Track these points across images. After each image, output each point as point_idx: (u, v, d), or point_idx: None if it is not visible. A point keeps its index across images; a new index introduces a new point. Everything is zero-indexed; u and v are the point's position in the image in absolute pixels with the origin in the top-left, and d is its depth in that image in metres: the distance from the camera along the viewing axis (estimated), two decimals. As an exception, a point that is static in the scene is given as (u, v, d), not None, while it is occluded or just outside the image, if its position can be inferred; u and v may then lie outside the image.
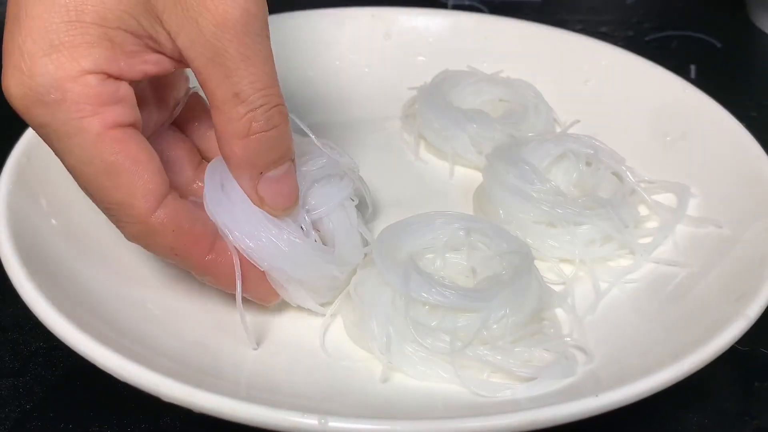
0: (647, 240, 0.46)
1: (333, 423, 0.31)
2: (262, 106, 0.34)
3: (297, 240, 0.38)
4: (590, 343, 0.39)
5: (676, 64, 0.57)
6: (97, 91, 0.32)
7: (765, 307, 0.37)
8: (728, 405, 0.40)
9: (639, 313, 0.42)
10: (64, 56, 0.32)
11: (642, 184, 0.49)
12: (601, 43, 0.60)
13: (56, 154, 0.34)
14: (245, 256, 0.37)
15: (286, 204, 0.38)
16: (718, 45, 0.74)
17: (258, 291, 0.38)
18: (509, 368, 0.37)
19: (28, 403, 0.40)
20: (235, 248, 0.37)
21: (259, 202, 0.37)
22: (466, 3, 0.82)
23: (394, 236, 0.42)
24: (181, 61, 0.35)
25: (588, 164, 0.50)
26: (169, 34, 0.33)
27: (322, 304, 0.41)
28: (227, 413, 0.31)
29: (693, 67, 0.69)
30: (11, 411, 0.39)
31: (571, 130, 0.55)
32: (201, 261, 0.36)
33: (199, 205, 0.37)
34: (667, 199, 0.49)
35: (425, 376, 0.37)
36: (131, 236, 0.35)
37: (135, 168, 0.34)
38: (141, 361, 0.33)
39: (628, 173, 0.49)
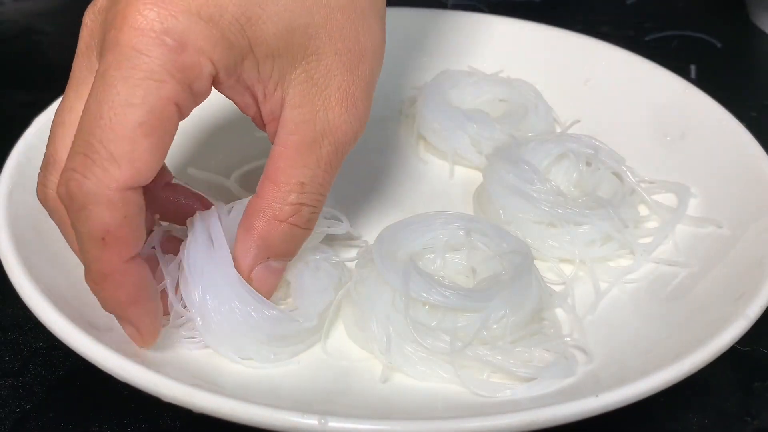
0: (647, 240, 0.46)
1: (333, 423, 0.31)
2: (311, 206, 0.37)
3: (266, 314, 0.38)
4: (590, 343, 0.39)
5: (676, 64, 0.57)
6: (199, 76, 0.33)
7: (765, 307, 0.37)
8: (728, 405, 0.40)
9: (639, 313, 0.42)
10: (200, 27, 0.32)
11: (642, 184, 0.49)
12: (601, 43, 0.60)
13: (102, 69, 0.32)
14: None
15: (266, 293, 0.39)
16: (718, 45, 0.74)
17: (144, 322, 0.36)
18: (509, 368, 0.37)
19: (28, 403, 0.40)
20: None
21: (247, 278, 0.38)
22: (466, 3, 0.82)
23: (394, 236, 0.42)
24: (263, 122, 0.38)
25: (588, 164, 0.50)
26: (283, 99, 0.36)
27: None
28: (227, 413, 0.31)
29: (693, 67, 0.69)
30: (11, 411, 0.39)
31: (571, 130, 0.55)
32: (117, 262, 0.33)
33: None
34: (667, 199, 0.49)
35: (425, 376, 0.37)
36: (82, 191, 0.31)
37: (156, 144, 0.32)
38: (141, 361, 0.33)
39: (628, 173, 0.49)
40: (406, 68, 0.61)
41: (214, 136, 0.53)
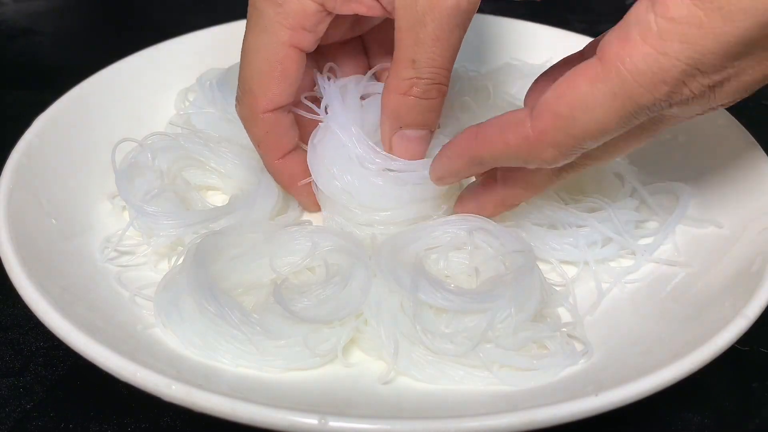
0: (648, 240, 0.46)
1: (333, 423, 0.31)
2: (427, 78, 0.40)
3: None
4: (591, 343, 0.39)
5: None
6: (304, 16, 0.41)
7: (765, 307, 0.37)
8: (728, 405, 0.40)
9: (639, 313, 0.42)
10: None
11: (642, 185, 0.49)
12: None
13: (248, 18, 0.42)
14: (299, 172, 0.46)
15: (408, 159, 0.44)
16: (718, 45, 0.74)
17: (304, 200, 0.48)
18: (515, 363, 0.37)
19: (29, 403, 0.40)
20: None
21: (388, 148, 0.44)
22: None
23: (398, 239, 0.42)
24: (389, 12, 0.41)
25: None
26: None
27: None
28: (227, 413, 0.31)
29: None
30: (11, 411, 0.39)
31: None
32: (270, 161, 0.46)
33: (295, 121, 0.45)
34: (667, 199, 0.49)
35: (433, 378, 0.38)
36: (240, 115, 0.44)
37: (279, 79, 0.42)
38: (141, 361, 0.33)
39: (628, 174, 0.49)
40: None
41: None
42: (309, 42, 0.42)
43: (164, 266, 0.44)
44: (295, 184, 0.46)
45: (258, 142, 0.45)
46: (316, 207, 0.48)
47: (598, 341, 0.40)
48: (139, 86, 0.55)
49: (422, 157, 0.44)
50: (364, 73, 0.48)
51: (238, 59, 0.56)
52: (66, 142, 0.48)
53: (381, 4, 0.41)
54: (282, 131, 0.44)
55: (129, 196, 0.45)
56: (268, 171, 0.47)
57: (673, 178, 0.50)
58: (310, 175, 0.46)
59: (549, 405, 0.32)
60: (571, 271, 0.45)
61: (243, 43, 0.42)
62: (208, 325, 0.38)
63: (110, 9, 0.79)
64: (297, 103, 0.46)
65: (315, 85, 0.47)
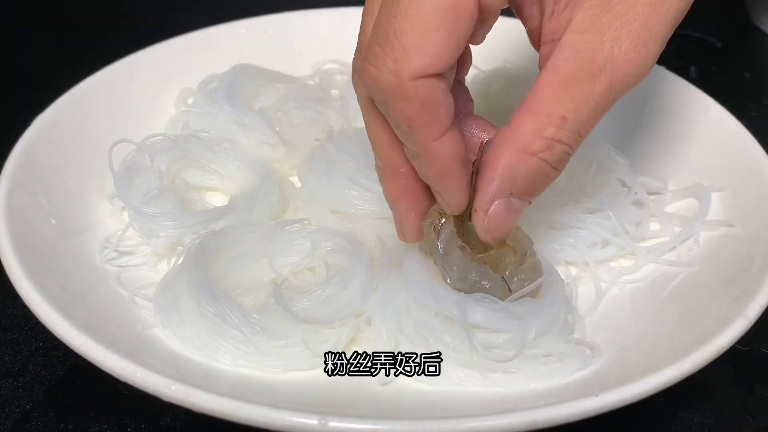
0: (648, 243, 0.46)
1: (333, 423, 0.31)
2: (567, 145, 0.34)
3: None
4: (599, 347, 0.39)
5: (676, 64, 0.57)
6: None
7: (765, 307, 0.37)
8: (728, 405, 0.40)
9: (639, 314, 0.42)
10: None
11: (642, 185, 0.49)
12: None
13: None
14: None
15: (499, 236, 0.37)
16: (718, 45, 0.74)
17: (454, 195, 0.37)
18: (526, 368, 0.37)
19: (28, 403, 0.40)
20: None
21: (483, 213, 0.36)
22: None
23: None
24: (538, 38, 0.35)
25: (589, 166, 0.50)
26: (569, 21, 0.33)
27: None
28: (227, 413, 0.31)
29: (693, 67, 0.69)
30: (11, 411, 0.39)
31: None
32: (427, 144, 0.34)
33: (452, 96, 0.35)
34: (668, 199, 0.49)
35: (463, 382, 0.38)
36: (378, 86, 0.33)
37: (448, 34, 0.32)
38: (140, 361, 0.33)
39: (628, 175, 0.49)
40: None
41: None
42: (486, 6, 0.32)
43: (164, 266, 0.44)
44: (452, 173, 0.36)
45: (408, 120, 0.33)
46: (465, 206, 0.37)
47: (598, 341, 0.40)
48: (138, 86, 0.55)
49: (509, 233, 0.38)
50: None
51: (238, 59, 0.57)
52: (65, 142, 0.48)
53: (541, 23, 0.34)
54: (441, 102, 0.33)
55: (128, 197, 0.45)
56: (418, 158, 0.35)
57: (672, 177, 0.50)
58: (469, 160, 0.36)
59: (550, 405, 0.32)
60: (571, 270, 0.45)
61: None
62: (207, 325, 0.38)
63: (110, 8, 0.79)
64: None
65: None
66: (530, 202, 0.37)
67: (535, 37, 0.35)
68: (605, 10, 0.32)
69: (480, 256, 0.39)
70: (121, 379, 0.33)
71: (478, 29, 0.34)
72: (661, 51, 0.33)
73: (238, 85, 0.54)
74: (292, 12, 0.61)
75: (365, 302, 0.40)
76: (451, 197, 0.37)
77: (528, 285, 0.39)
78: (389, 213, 0.43)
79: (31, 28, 0.76)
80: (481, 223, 0.36)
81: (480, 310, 0.38)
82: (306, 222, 0.46)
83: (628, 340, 0.40)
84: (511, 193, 0.35)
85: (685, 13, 0.34)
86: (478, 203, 0.36)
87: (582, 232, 0.45)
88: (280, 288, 0.39)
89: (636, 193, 0.49)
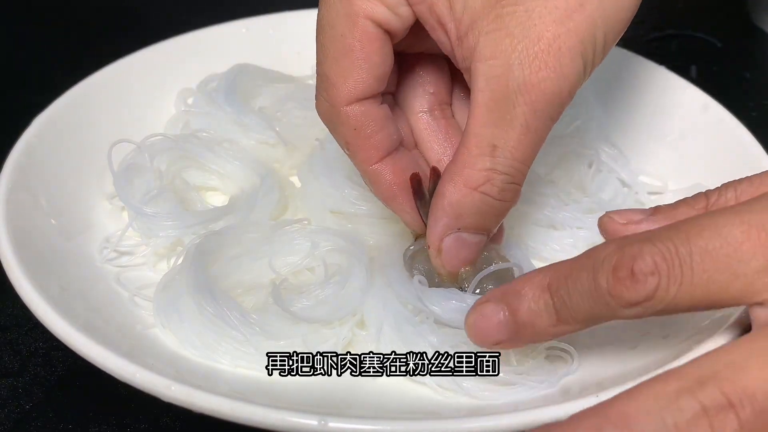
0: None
1: (333, 423, 0.31)
2: (506, 174, 0.34)
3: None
4: (591, 344, 0.39)
5: (676, 64, 0.57)
6: None
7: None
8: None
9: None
10: None
11: (642, 185, 0.49)
12: (602, 43, 0.59)
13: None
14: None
15: (454, 269, 0.37)
16: (718, 45, 0.74)
17: (407, 216, 0.39)
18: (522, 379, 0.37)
19: (28, 404, 0.40)
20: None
21: (436, 250, 0.37)
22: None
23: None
24: (457, 63, 0.34)
25: (589, 166, 0.50)
26: (474, 50, 0.33)
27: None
28: (227, 414, 0.31)
29: (693, 67, 0.69)
30: (11, 411, 0.39)
31: (570, 131, 0.55)
32: (365, 166, 0.37)
33: (391, 116, 0.37)
34: (669, 199, 0.49)
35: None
36: (320, 113, 0.37)
37: (360, 60, 0.34)
38: (140, 361, 0.33)
39: (628, 175, 0.49)
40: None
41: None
42: (391, 22, 0.34)
43: (163, 267, 0.44)
44: (396, 197, 0.38)
45: (346, 144, 0.37)
46: (421, 226, 0.39)
47: (597, 341, 0.39)
48: (138, 86, 0.55)
49: (470, 264, 0.38)
50: (444, 96, 0.40)
51: (238, 59, 0.57)
52: (65, 142, 0.48)
53: (453, 49, 0.34)
54: (374, 127, 0.36)
55: (127, 197, 0.45)
56: (364, 179, 0.38)
57: (673, 177, 0.50)
58: (416, 183, 0.38)
59: (550, 406, 0.32)
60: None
61: (317, 21, 0.35)
62: (207, 325, 0.38)
63: (110, 8, 0.79)
64: (395, 96, 0.39)
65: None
66: (488, 237, 0.37)
67: (455, 64, 0.35)
68: (505, 34, 0.32)
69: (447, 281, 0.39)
70: (121, 379, 0.33)
71: (414, 43, 0.36)
72: (585, 68, 0.33)
73: (237, 85, 0.54)
74: (292, 12, 0.61)
75: (365, 302, 0.40)
76: (402, 217, 0.39)
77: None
78: (389, 213, 0.43)
79: (31, 28, 0.76)
80: (435, 259, 0.37)
81: (444, 305, 0.38)
82: (306, 222, 0.46)
83: (626, 341, 0.39)
84: (459, 229, 0.35)
85: (619, 25, 0.34)
86: (430, 240, 0.37)
87: (582, 232, 0.45)
88: (279, 288, 0.39)
89: (636, 193, 0.49)
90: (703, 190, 0.36)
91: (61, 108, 0.49)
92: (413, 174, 0.38)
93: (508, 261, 0.41)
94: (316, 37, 0.35)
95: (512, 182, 0.34)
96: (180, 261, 0.41)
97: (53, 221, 0.43)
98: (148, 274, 0.44)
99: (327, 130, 0.51)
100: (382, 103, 0.37)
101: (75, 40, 0.74)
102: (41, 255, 0.40)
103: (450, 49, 0.34)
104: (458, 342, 0.37)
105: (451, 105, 0.41)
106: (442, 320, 0.38)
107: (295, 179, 0.51)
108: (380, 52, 0.35)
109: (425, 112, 0.40)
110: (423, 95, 0.40)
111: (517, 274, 0.40)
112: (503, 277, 0.39)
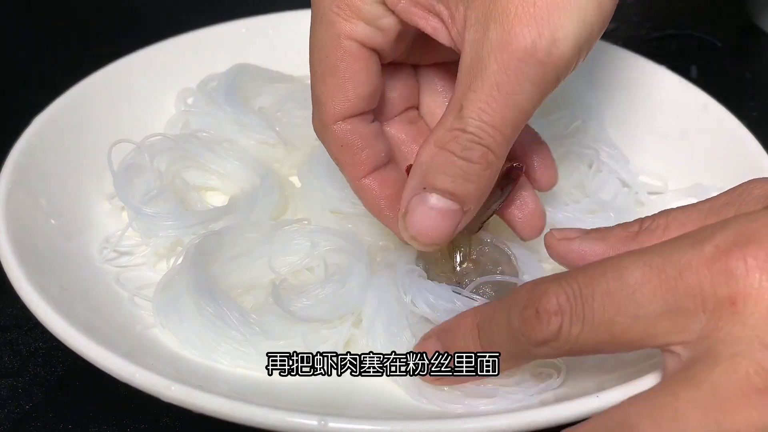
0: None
1: (333, 423, 0.31)
2: (471, 133, 0.32)
3: None
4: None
5: (676, 64, 0.57)
6: (360, 3, 0.35)
7: (765, 307, 0.36)
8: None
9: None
10: None
11: (642, 185, 0.49)
12: (602, 43, 0.59)
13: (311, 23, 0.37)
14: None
15: (418, 236, 0.35)
16: (719, 45, 0.74)
17: (397, 229, 0.37)
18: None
19: (28, 404, 0.40)
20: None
21: (402, 211, 0.35)
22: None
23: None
24: (455, 45, 0.34)
25: (589, 166, 0.50)
26: (465, 21, 0.33)
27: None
28: (226, 414, 0.31)
29: (693, 67, 0.69)
30: (11, 411, 0.39)
31: (570, 131, 0.55)
32: (353, 181, 0.38)
33: (381, 132, 0.39)
34: (669, 199, 0.49)
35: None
36: (314, 128, 0.38)
37: (343, 80, 0.36)
38: (140, 361, 0.33)
39: (628, 175, 0.49)
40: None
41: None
42: (374, 39, 0.35)
43: (163, 267, 0.44)
44: (382, 210, 0.38)
45: (335, 159, 0.38)
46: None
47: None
48: (138, 86, 0.55)
49: (441, 240, 0.35)
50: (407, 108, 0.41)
51: (238, 59, 0.57)
52: (65, 142, 0.48)
53: (448, 30, 0.34)
54: (362, 144, 0.37)
55: (127, 197, 0.45)
56: (354, 192, 0.39)
57: (673, 177, 0.50)
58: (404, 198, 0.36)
59: (550, 405, 0.32)
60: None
61: (309, 42, 0.37)
62: (207, 325, 0.38)
63: (110, 8, 0.79)
64: (386, 115, 0.40)
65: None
66: (464, 210, 0.35)
67: (455, 48, 0.34)
68: (489, 1, 0.32)
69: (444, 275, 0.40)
70: (121, 379, 0.33)
71: (423, 55, 0.38)
72: (575, 20, 0.31)
73: (237, 85, 0.54)
74: (292, 12, 0.61)
75: (365, 302, 0.40)
76: (392, 229, 0.38)
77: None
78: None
79: (31, 28, 0.76)
80: (400, 221, 0.36)
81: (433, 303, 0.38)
82: (305, 222, 0.46)
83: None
84: (425, 188, 0.34)
85: None
86: (401, 203, 0.36)
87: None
88: (279, 288, 0.39)
89: (636, 193, 0.49)
90: (691, 198, 0.36)
91: (61, 108, 0.49)
92: (409, 166, 0.37)
93: (516, 268, 0.41)
94: (309, 58, 0.37)
95: (479, 143, 0.33)
96: (180, 261, 0.41)
97: (53, 221, 0.43)
98: (147, 274, 0.44)
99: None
100: (373, 121, 0.38)
101: (75, 40, 0.73)
102: (41, 255, 0.40)
103: (446, 33, 0.34)
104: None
105: None
106: (430, 318, 0.38)
107: (295, 179, 0.51)
108: (365, 71, 0.36)
109: None
110: (444, 103, 0.40)
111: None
112: (505, 285, 0.39)
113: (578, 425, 0.26)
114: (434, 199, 0.34)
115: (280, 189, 0.48)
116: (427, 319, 0.39)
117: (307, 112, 0.54)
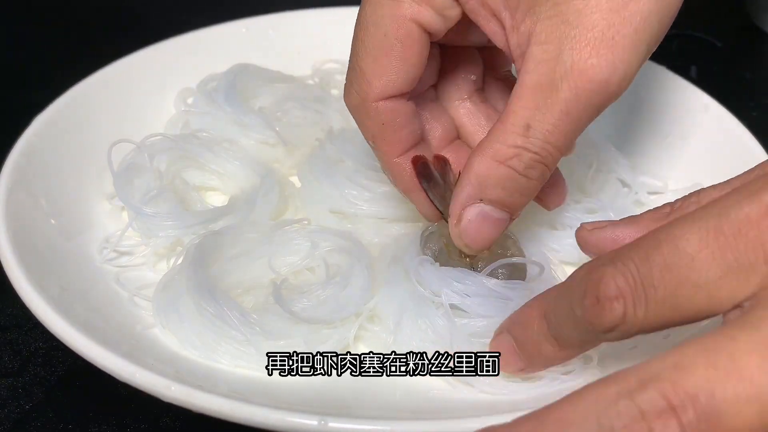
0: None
1: (333, 423, 0.31)
2: (535, 153, 0.34)
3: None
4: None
5: (676, 65, 0.57)
6: None
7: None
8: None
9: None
10: None
11: (642, 185, 0.49)
12: (602, 43, 0.59)
13: None
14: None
15: (472, 243, 0.37)
16: (718, 45, 0.74)
17: (425, 207, 0.40)
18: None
19: (28, 404, 0.40)
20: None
21: (456, 219, 0.37)
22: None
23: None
24: (510, 53, 0.35)
25: (589, 166, 0.50)
26: (530, 35, 0.33)
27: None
28: (226, 414, 0.31)
29: (693, 67, 0.69)
30: (11, 411, 0.39)
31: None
32: (388, 159, 0.39)
33: (416, 112, 0.39)
34: (669, 199, 0.49)
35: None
36: (349, 104, 0.38)
37: (398, 60, 0.36)
38: (140, 361, 0.33)
39: (628, 175, 0.49)
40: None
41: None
42: (435, 24, 0.36)
43: (163, 267, 0.44)
44: (415, 189, 0.40)
45: (372, 136, 0.38)
46: (436, 216, 0.41)
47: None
48: (138, 86, 0.55)
49: (491, 244, 0.38)
50: (481, 84, 0.42)
51: (238, 59, 0.57)
52: (65, 142, 0.48)
53: (506, 37, 0.35)
54: (403, 122, 0.38)
55: (127, 198, 0.45)
56: (385, 171, 0.40)
57: (673, 177, 0.49)
58: (420, 165, 0.39)
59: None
60: (571, 271, 0.45)
61: (358, 17, 0.37)
62: (207, 325, 0.38)
63: (110, 8, 0.79)
64: (418, 98, 0.40)
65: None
66: (512, 218, 0.37)
67: (507, 53, 0.36)
68: (561, 21, 0.32)
69: (458, 259, 0.40)
70: (121, 379, 0.33)
71: (455, 38, 0.37)
72: (639, 57, 0.33)
73: (237, 85, 0.54)
74: (292, 12, 0.61)
75: (365, 302, 0.40)
76: (420, 208, 0.41)
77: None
78: (389, 213, 0.43)
79: (31, 28, 0.76)
80: (453, 229, 0.37)
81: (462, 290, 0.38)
82: (306, 222, 0.46)
83: (627, 340, 0.39)
84: (481, 200, 0.36)
85: (667, 18, 0.34)
86: (452, 209, 0.37)
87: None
88: (280, 288, 0.39)
89: (636, 193, 0.49)
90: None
91: (61, 108, 0.49)
92: (416, 156, 0.39)
93: (523, 253, 0.42)
94: (355, 32, 0.37)
95: (541, 162, 0.34)
96: (180, 261, 0.41)
97: (53, 221, 0.43)
98: (147, 274, 0.44)
99: (326, 130, 0.52)
100: (408, 100, 0.38)
101: (75, 40, 0.73)
102: (41, 255, 0.40)
103: (503, 38, 0.35)
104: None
105: (484, 92, 0.42)
106: (461, 306, 0.38)
107: (295, 179, 0.51)
108: (419, 54, 0.36)
109: (466, 99, 0.42)
110: (464, 83, 0.41)
111: (530, 270, 0.41)
112: (517, 267, 0.40)
113: (634, 366, 0.25)
114: (489, 209, 0.36)
115: (280, 189, 0.48)
116: (455, 306, 0.38)
117: (307, 112, 0.54)
